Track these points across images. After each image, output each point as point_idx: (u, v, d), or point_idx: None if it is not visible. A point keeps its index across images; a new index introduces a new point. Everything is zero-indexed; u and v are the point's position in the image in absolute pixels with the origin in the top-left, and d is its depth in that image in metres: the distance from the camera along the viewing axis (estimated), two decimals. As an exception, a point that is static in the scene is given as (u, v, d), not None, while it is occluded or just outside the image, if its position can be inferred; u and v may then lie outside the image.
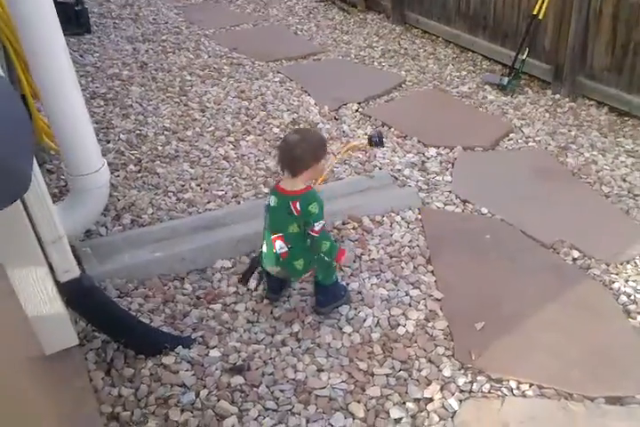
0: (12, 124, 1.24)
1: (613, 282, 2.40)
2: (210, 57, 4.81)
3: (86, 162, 2.24)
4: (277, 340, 2.12)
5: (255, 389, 1.93)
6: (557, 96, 4.11)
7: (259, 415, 1.85)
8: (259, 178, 3.12)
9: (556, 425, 1.82)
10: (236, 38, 5.28)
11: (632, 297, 2.31)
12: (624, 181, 3.10)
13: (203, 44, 5.10)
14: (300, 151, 1.98)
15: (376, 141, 2.73)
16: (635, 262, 2.51)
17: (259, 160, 3.31)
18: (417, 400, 1.91)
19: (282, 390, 1.93)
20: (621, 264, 2.50)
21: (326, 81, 4.38)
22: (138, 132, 3.57)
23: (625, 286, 2.37)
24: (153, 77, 4.37)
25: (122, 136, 3.50)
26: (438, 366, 2.02)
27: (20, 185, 1.25)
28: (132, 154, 3.33)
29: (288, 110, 3.90)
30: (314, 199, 2.02)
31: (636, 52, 3.64)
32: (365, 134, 3.53)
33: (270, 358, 2.05)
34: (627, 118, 3.76)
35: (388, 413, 1.86)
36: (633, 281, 2.40)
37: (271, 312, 2.25)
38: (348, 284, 2.38)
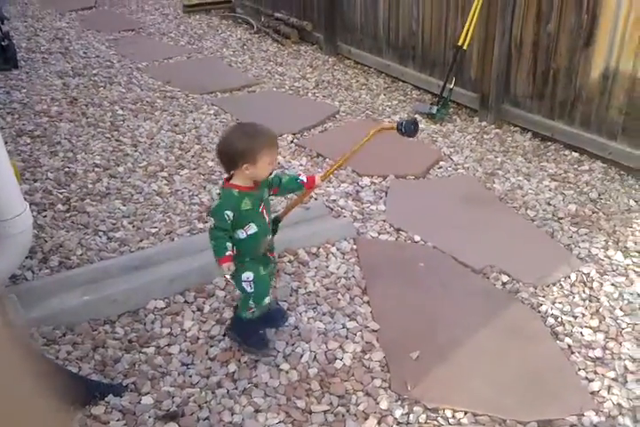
0: None
1: (541, 304, 2.49)
2: (142, 90, 4.78)
3: (6, 206, 2.17)
4: (213, 382, 2.09)
5: (189, 436, 1.89)
6: (484, 123, 4.30)
7: (193, 464, 1.80)
8: (193, 213, 3.10)
9: (490, 452, 1.86)
10: (170, 71, 5.28)
11: (559, 319, 2.41)
12: (548, 204, 3.26)
13: (135, 78, 5.08)
14: (226, 149, 1.91)
15: (404, 130, 2.30)
16: (560, 284, 2.62)
17: (193, 195, 3.29)
18: (355, 436, 1.91)
19: (217, 436, 1.89)
20: (548, 287, 2.61)
21: (261, 112, 4.42)
22: (67, 169, 3.49)
23: (552, 309, 2.46)
24: (83, 113, 4.30)
25: (49, 175, 3.41)
26: (375, 399, 2.03)
27: None
28: (61, 193, 3.25)
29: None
30: (219, 196, 2.01)
31: (556, 79, 3.88)
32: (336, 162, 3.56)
33: (205, 402, 2.01)
34: (549, 143, 3.97)
35: (326, 451, 1.85)
36: (559, 303, 2.50)
37: (206, 353, 2.22)
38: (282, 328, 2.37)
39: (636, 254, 2.80)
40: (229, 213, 1.92)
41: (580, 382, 2.10)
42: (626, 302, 2.50)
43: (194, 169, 3.58)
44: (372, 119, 4.41)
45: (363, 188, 3.45)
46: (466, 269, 2.73)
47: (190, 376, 2.11)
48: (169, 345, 2.25)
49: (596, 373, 2.14)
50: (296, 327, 2.36)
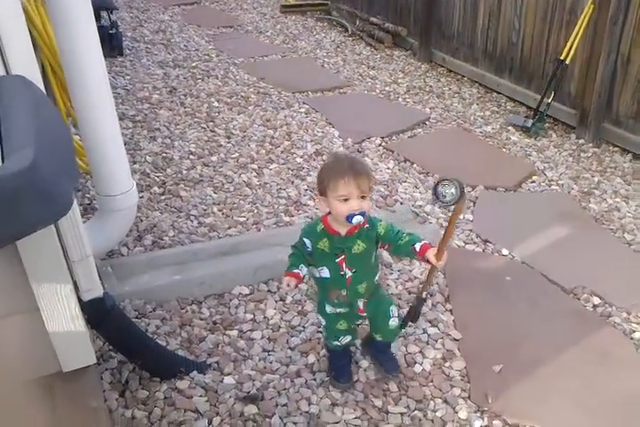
0: (57, 145, 1.27)
1: (634, 331, 2.38)
2: (238, 85, 4.94)
3: (116, 183, 2.30)
4: (292, 370, 2.13)
5: (268, 419, 1.93)
6: (581, 141, 4.16)
7: (270, 448, 1.85)
8: (280, 206, 3.18)
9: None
10: (264, 68, 5.43)
11: (653, 348, 2.30)
12: (648, 228, 3.11)
13: (231, 73, 5.25)
14: (318, 174, 1.79)
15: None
16: (656, 312, 2.50)
17: (280, 189, 3.37)
18: (431, 441, 1.89)
19: (295, 423, 1.92)
20: (643, 313, 2.49)
21: (351, 114, 4.47)
22: (164, 155, 3.66)
23: (646, 337, 2.35)
24: (181, 102, 4.50)
25: (148, 158, 3.59)
26: (454, 408, 2.01)
27: (62, 206, 1.22)
28: (157, 176, 3.41)
29: (312, 141, 3.98)
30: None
31: (661, 101, 3.71)
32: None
33: (284, 389, 2.05)
34: (651, 166, 3.79)
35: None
36: (655, 331, 2.39)
37: (287, 342, 2.26)
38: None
39: None
40: (308, 242, 1.83)
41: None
42: None
43: (283, 164, 3.66)
44: (464, 128, 4.36)
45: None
46: (555, 288, 2.64)
47: (271, 363, 2.16)
48: (251, 330, 2.32)
49: (693, 409, 2.02)
50: (375, 327, 2.36)
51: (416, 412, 1.99)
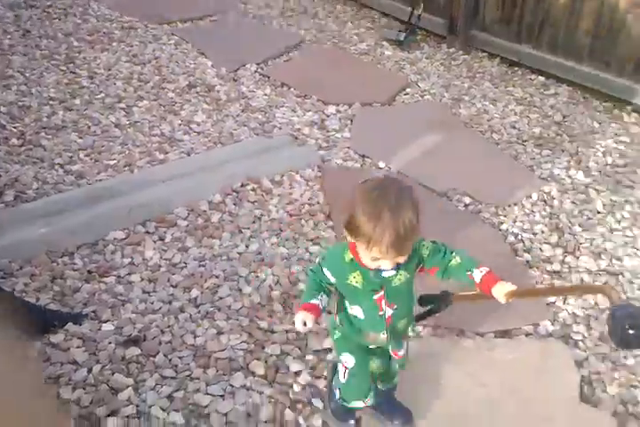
0: None
1: (502, 223, 2.45)
2: (99, 21, 4.43)
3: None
4: (175, 307, 2.03)
5: (152, 358, 1.84)
6: (452, 50, 4.10)
7: (156, 385, 1.76)
8: (153, 144, 2.94)
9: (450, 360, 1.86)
10: (127, 0, 4.89)
11: (519, 237, 2.37)
12: (513, 128, 3.15)
13: (92, 9, 4.69)
14: (352, 205, 1.22)
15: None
16: (522, 204, 2.57)
17: (153, 126, 3.11)
18: (316, 352, 1.88)
19: (180, 357, 1.85)
20: (509, 206, 2.55)
21: (223, 42, 4.15)
22: (20, 103, 3.25)
23: (513, 227, 2.42)
24: (37, 45, 3.98)
25: (2, 109, 3.18)
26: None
27: None
28: (15, 127, 3.03)
29: (184, 73, 3.68)
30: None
31: (525, 2, 3.66)
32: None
33: (168, 327, 1.95)
34: (516, 68, 3.81)
35: (287, 367, 1.83)
36: (520, 222, 2.46)
37: (168, 280, 2.14)
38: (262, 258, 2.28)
39: (597, 174, 2.74)
40: (329, 274, 1.35)
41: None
42: (585, 218, 2.46)
43: (154, 100, 3.37)
44: (339, 48, 4.17)
45: (328, 116, 3.29)
46: (430, 192, 2.65)
47: (152, 303, 2.04)
48: (130, 274, 2.17)
49: (551, 284, 2.12)
50: (259, 253, 2.28)
51: (301, 328, 1.96)
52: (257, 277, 2.17)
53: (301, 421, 1.68)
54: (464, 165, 2.83)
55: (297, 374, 1.81)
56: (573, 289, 1.44)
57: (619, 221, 2.45)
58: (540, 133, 3.07)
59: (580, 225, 2.42)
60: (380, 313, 1.33)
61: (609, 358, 1.91)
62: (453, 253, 1.34)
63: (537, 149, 2.94)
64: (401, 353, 1.46)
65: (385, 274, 1.25)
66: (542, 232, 2.39)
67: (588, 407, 1.76)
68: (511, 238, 2.36)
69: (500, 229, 2.41)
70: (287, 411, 1.70)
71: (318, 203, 2.56)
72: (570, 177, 2.72)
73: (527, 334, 1.94)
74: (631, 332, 0.97)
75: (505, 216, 2.49)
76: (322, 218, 2.48)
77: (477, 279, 1.29)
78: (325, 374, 1.79)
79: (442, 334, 1.94)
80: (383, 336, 1.38)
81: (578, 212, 2.49)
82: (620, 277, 2.18)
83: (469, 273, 1.31)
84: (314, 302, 1.35)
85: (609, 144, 2.97)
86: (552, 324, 1.97)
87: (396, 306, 1.34)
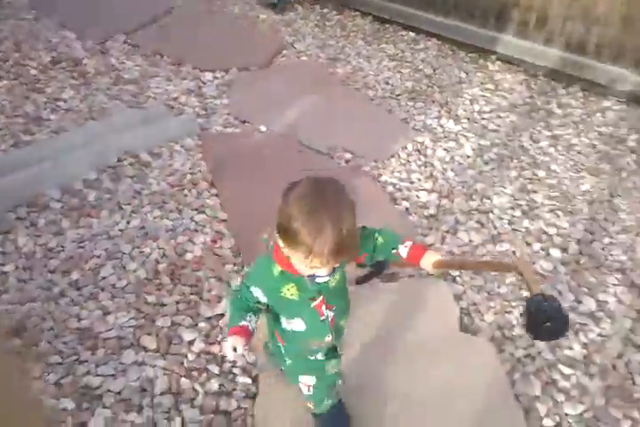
0: None
1: (381, 175, 2.51)
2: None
3: None
4: (55, 292, 1.91)
5: (35, 347, 1.73)
6: (325, 10, 4.08)
7: (43, 373, 1.67)
8: (17, 126, 2.70)
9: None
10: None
11: (397, 186, 2.45)
12: (387, 83, 3.21)
13: None
14: (282, 207, 1.11)
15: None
16: (398, 155, 2.64)
17: (16, 107, 2.85)
18: (209, 319, 1.86)
19: (65, 342, 1.75)
20: (387, 159, 2.62)
21: (87, 13, 3.85)
22: None
23: (391, 178, 2.49)
24: None
25: None
26: (228, 283, 1.98)
27: None
28: None
29: (46, 49, 3.38)
30: (255, 263, 1.29)
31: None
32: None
33: (49, 313, 1.84)
34: (387, 25, 3.87)
35: (180, 337, 1.79)
36: (397, 172, 2.53)
37: (45, 266, 2.01)
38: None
39: (466, 121, 2.87)
40: (258, 292, 1.23)
41: (416, 238, 2.18)
42: (456, 163, 2.58)
43: (14, 79, 3.08)
44: (211, 12, 4.01)
45: (205, 83, 3.18)
46: (312, 152, 2.65)
47: (29, 291, 1.91)
48: (2, 265, 2.01)
49: (430, 227, 2.22)
50: (142, 228, 2.19)
51: (191, 296, 1.93)
52: (141, 252, 2.09)
53: (198, 387, 1.66)
54: (343, 123, 2.85)
55: (190, 343, 1.78)
56: (496, 267, 1.46)
57: (486, 163, 2.59)
58: (413, 87, 3.15)
59: (452, 170, 2.53)
60: (322, 318, 1.26)
61: (484, 289, 2.04)
62: (376, 234, 1.30)
63: (410, 102, 3.02)
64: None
65: (320, 280, 1.17)
66: (418, 180, 2.47)
67: (468, 336, 1.88)
68: (390, 188, 2.43)
69: (380, 181, 2.47)
70: (183, 380, 1.68)
71: (200, 171, 2.49)
72: (441, 126, 2.82)
73: (410, 276, 2.02)
74: (547, 325, 0.99)
75: (384, 168, 2.55)
76: (205, 186, 2.41)
77: (404, 255, 1.29)
78: (219, 338, 1.79)
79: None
80: (328, 339, 1.32)
81: (450, 158, 2.61)
82: (490, 214, 2.32)
83: (395, 251, 1.29)
84: (243, 324, 1.24)
85: (475, 92, 3.11)
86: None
87: (335, 306, 1.28)
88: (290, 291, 1.20)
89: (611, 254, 2.14)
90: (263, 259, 1.23)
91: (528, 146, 2.72)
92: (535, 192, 2.44)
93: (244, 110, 2.93)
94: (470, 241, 2.18)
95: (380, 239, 1.29)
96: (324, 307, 1.24)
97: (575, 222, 2.28)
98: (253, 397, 1.66)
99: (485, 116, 2.92)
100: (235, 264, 2.05)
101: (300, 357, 1.37)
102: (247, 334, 1.23)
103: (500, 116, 2.91)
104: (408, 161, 2.59)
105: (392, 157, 2.62)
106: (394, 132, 2.78)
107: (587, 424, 1.61)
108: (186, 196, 2.36)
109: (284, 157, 2.61)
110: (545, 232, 2.23)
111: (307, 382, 1.41)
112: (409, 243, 1.29)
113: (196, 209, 2.29)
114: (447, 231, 2.21)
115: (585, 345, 1.81)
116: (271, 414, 1.61)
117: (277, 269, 1.19)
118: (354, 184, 2.44)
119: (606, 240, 2.21)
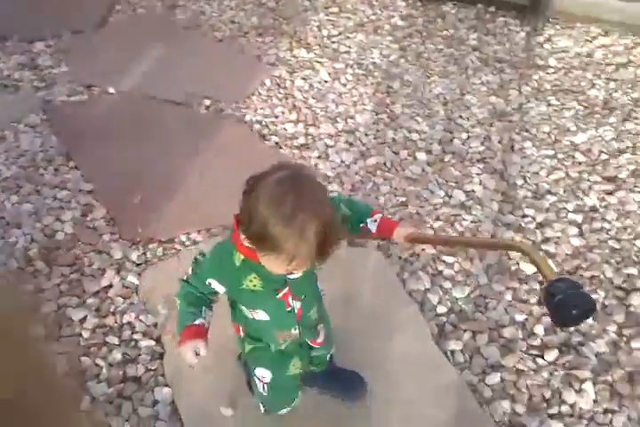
0: None
1: (245, 115, 2.42)
2: None
3: None
4: None
5: None
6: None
7: None
8: None
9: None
10: None
11: (263, 123, 2.38)
12: (232, 22, 3.05)
13: None
14: (247, 198, 0.95)
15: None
16: (258, 93, 2.55)
17: None
18: (96, 293, 1.75)
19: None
20: (248, 98, 2.52)
21: None
22: None
23: (255, 116, 2.41)
24: None
25: None
26: (109, 253, 1.87)
27: None
28: None
29: None
30: (212, 250, 1.11)
31: None
32: None
33: None
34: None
35: (70, 318, 1.68)
36: (261, 109, 2.46)
37: None
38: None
39: (317, 47, 2.81)
40: (214, 283, 1.09)
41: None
42: (316, 90, 2.54)
43: None
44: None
45: (38, 54, 2.86)
46: (169, 104, 2.50)
47: None
48: None
49: (302, 157, 2.20)
50: (2, 218, 2.00)
51: (73, 275, 1.80)
52: (7, 242, 1.91)
53: (100, 362, 1.58)
54: (195, 69, 2.70)
55: (82, 321, 1.68)
56: (494, 245, 1.35)
57: (344, 85, 2.57)
58: (259, 22, 3.02)
59: (313, 97, 2.49)
60: (288, 309, 1.13)
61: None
62: (341, 205, 1.14)
63: (259, 37, 2.90)
64: (320, 340, 1.30)
65: (293, 277, 1.07)
66: (282, 113, 2.41)
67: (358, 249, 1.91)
68: (257, 126, 2.35)
69: (245, 121, 2.39)
70: (83, 358, 1.59)
71: (52, 147, 2.28)
72: (294, 57, 2.75)
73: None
74: (575, 312, 0.89)
75: (246, 108, 2.46)
76: (61, 161, 2.22)
77: (373, 229, 1.17)
78: (112, 309, 1.70)
79: (216, 233, 1.92)
80: (295, 332, 1.19)
81: (308, 86, 2.56)
82: (357, 132, 2.32)
83: (363, 225, 1.17)
84: (198, 322, 1.10)
85: (322, 18, 3.04)
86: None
87: (303, 296, 1.14)
88: (252, 282, 1.06)
89: (470, 147, 2.23)
90: (221, 246, 1.07)
91: (379, 61, 2.72)
92: (394, 103, 2.46)
93: (88, 75, 2.69)
94: (342, 161, 2.18)
95: (346, 210, 1.15)
96: (290, 298, 1.11)
97: (434, 124, 2.34)
98: (160, 357, 1.61)
99: (334, 39, 2.87)
100: (112, 233, 1.93)
101: (260, 343, 1.23)
102: (203, 334, 1.10)
103: (348, 37, 2.88)
104: (269, 96, 2.51)
105: (252, 95, 2.53)
106: (249, 71, 2.67)
107: (475, 303, 1.71)
108: (42, 175, 2.16)
109: (141, 114, 2.44)
110: (409, 139, 2.28)
111: (262, 375, 1.28)
112: (378, 216, 1.17)
113: (57, 186, 2.11)
114: (319, 157, 2.20)
115: (462, 233, 1.90)
116: (182, 368, 1.57)
117: (239, 258, 1.03)
118: (220, 129, 2.35)
119: (464, 135, 2.29)
